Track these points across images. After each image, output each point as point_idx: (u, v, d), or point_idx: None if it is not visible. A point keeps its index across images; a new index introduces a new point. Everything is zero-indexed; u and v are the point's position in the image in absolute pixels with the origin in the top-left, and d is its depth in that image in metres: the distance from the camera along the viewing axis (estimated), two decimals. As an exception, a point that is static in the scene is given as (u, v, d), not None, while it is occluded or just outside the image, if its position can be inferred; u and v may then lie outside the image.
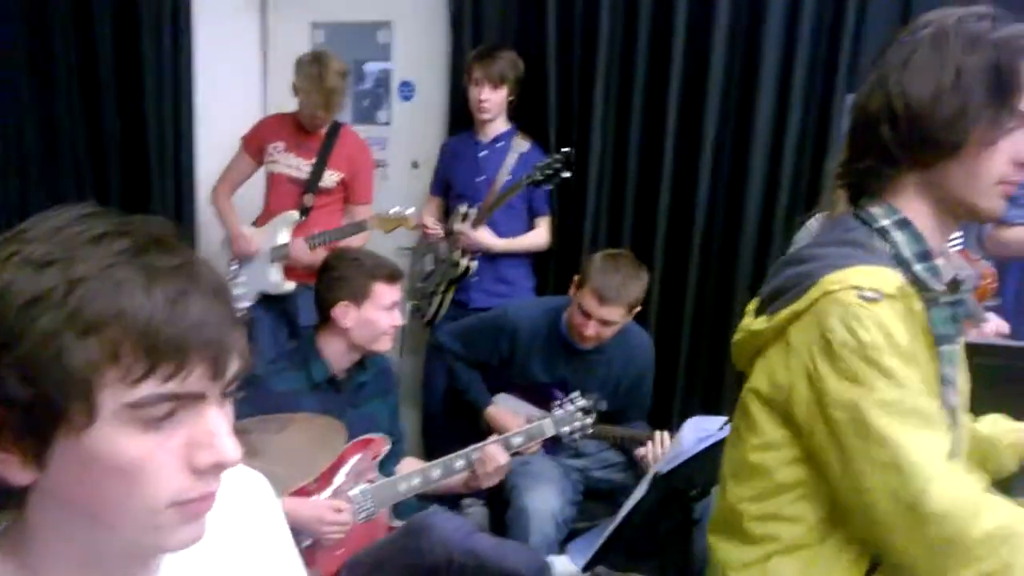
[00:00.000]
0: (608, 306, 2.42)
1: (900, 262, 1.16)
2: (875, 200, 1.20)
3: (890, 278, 1.11)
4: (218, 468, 0.66)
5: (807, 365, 1.13)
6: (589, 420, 2.39)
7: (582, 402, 2.40)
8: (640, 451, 2.52)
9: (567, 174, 2.87)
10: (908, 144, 1.14)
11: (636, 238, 3.14)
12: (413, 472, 2.20)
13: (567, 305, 2.59)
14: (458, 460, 2.21)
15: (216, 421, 0.66)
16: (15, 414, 0.61)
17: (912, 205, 1.18)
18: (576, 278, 2.53)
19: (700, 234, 3.10)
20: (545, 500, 2.43)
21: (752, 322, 1.25)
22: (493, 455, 2.21)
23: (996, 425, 1.47)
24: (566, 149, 2.90)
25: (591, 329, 2.46)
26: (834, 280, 1.12)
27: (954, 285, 1.17)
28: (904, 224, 1.17)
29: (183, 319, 0.62)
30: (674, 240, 3.13)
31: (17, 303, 0.60)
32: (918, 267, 1.16)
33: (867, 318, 1.08)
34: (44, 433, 0.62)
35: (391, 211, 2.89)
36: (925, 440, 1.07)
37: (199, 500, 0.67)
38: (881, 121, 1.14)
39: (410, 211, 2.84)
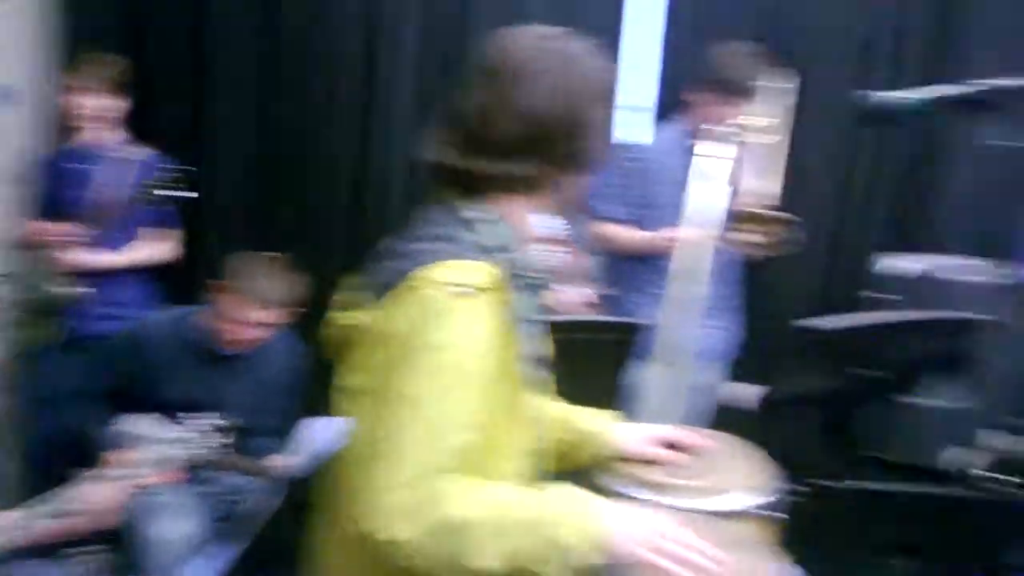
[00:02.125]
0: (253, 307, 2.42)
1: (485, 251, 1.19)
2: (469, 194, 1.23)
3: (481, 270, 1.15)
4: None
5: (383, 357, 1.15)
6: (216, 440, 2.29)
7: (206, 422, 2.29)
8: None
9: (178, 191, 2.73)
10: (518, 150, 1.19)
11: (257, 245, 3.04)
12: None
13: (197, 312, 2.55)
14: (49, 505, 1.96)
15: None
16: None
17: (513, 199, 1.23)
18: (215, 283, 2.49)
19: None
20: (171, 528, 2.33)
21: (345, 316, 1.26)
22: (93, 491, 2.01)
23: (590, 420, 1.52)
24: (181, 166, 2.76)
25: (238, 332, 2.45)
26: (423, 276, 1.14)
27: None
28: (490, 215, 1.22)
29: None
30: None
31: None
32: (507, 255, 1.21)
33: (449, 315, 1.11)
34: None
35: None
36: (424, 438, 1.09)
37: None
38: (496, 124, 1.19)
39: None
